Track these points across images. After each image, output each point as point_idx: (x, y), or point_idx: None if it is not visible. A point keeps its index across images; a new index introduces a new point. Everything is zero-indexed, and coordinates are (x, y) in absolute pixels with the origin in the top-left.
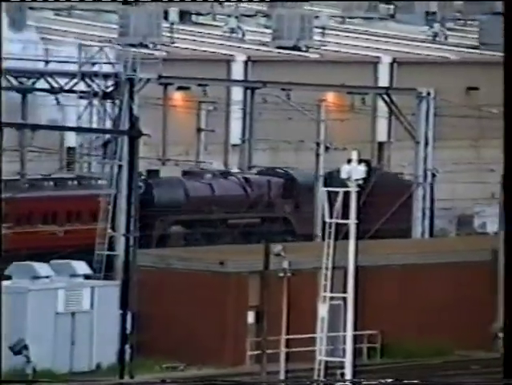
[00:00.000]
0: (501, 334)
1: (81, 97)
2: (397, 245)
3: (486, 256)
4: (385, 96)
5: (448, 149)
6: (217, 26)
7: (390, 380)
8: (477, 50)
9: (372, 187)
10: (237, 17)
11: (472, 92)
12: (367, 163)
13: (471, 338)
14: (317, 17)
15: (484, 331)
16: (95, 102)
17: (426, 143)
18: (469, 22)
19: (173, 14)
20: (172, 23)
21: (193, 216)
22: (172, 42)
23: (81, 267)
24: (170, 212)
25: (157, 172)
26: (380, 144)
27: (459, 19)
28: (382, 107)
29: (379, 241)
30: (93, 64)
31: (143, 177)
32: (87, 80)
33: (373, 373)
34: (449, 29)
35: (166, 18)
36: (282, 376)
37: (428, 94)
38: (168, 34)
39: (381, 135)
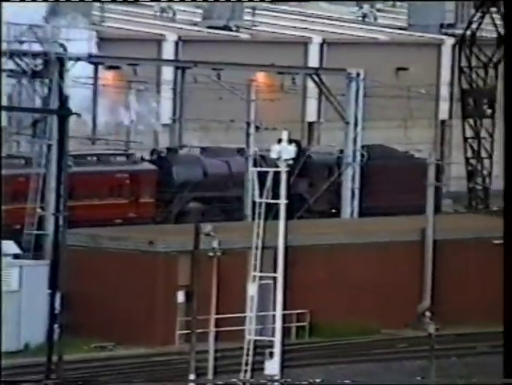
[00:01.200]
0: (427, 313)
1: (10, 76)
2: (326, 224)
3: (415, 236)
4: (315, 76)
5: (377, 129)
6: (147, 5)
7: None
8: (406, 32)
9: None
10: None
11: (401, 73)
12: (297, 143)
13: (398, 317)
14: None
15: (411, 310)
16: (24, 81)
17: (356, 124)
18: (398, 4)
19: None
20: (103, 2)
21: (211, 193)
22: (103, 21)
23: (10, 246)
24: (188, 189)
25: (176, 150)
26: (310, 124)
27: (388, 0)
28: (312, 87)
29: (309, 221)
30: (21, 43)
31: (162, 155)
32: (16, 59)
33: (302, 352)
34: (379, 10)
35: None
36: (210, 355)
37: (358, 74)
38: (99, 13)
39: (311, 116)
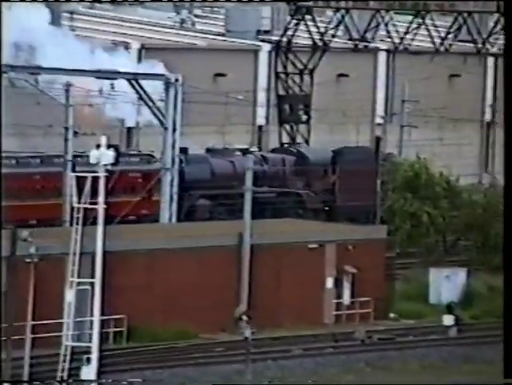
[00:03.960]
0: (244, 317)
1: None
2: (145, 229)
3: (232, 240)
4: (134, 82)
5: (195, 135)
6: None
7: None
8: (223, 38)
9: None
10: None
11: (219, 79)
12: (116, 148)
13: (215, 322)
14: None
15: (228, 314)
16: None
17: (174, 129)
18: (215, 10)
19: None
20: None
21: (217, 191)
22: None
23: None
24: (197, 186)
25: (186, 150)
26: (129, 129)
27: (206, 6)
28: (131, 92)
29: (128, 226)
30: None
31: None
32: None
33: (119, 357)
34: (196, 16)
35: None
36: (26, 362)
37: (177, 80)
38: None
39: (130, 121)
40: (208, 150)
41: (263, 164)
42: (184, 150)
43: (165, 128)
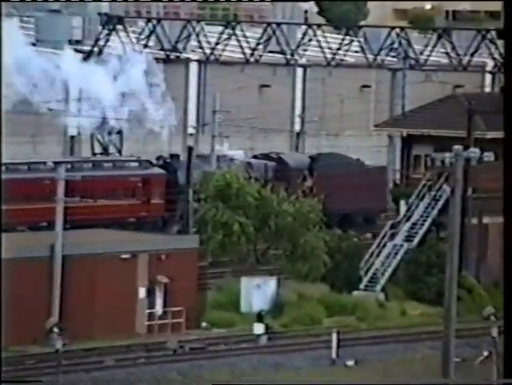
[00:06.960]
0: (55, 329)
1: None
2: None
3: (43, 252)
4: None
5: (8, 145)
6: None
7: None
8: (33, 47)
9: None
10: None
11: (32, 88)
12: None
13: (26, 334)
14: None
15: (39, 326)
16: None
17: None
18: (25, 19)
19: None
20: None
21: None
22: None
23: None
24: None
25: (178, 156)
26: None
27: (15, 15)
28: None
29: None
30: None
31: (167, 160)
32: None
33: None
34: None
35: None
36: None
37: None
38: None
39: None
40: (197, 156)
41: (248, 170)
42: (176, 156)
43: None
